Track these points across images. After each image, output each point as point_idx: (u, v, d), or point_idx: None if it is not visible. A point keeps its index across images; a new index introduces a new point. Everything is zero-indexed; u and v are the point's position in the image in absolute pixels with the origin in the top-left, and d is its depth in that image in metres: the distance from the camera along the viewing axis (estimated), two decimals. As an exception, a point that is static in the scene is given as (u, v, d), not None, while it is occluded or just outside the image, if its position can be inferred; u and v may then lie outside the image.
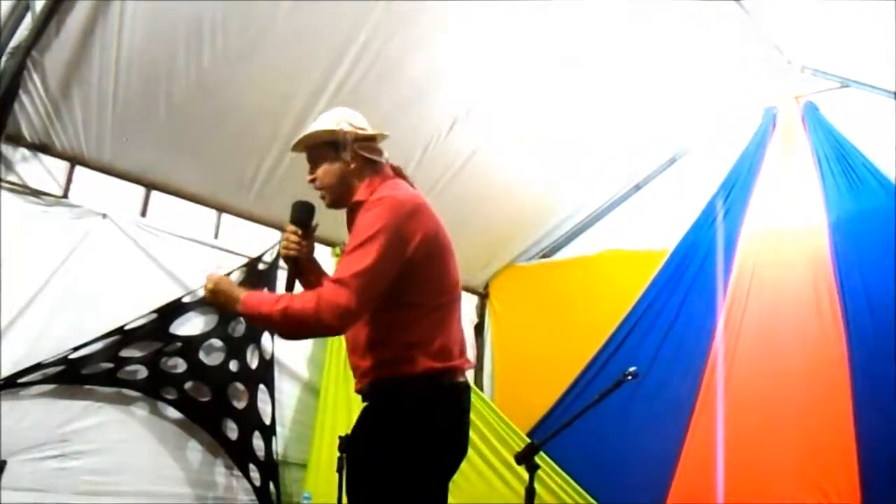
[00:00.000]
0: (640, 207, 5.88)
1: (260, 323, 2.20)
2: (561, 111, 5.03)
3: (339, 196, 2.34)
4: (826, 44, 4.83)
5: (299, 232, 2.35)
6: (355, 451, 2.26)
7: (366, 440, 2.24)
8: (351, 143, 2.30)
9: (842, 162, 4.79)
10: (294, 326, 2.19)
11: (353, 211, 2.32)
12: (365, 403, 2.33)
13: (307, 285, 2.45)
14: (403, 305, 2.22)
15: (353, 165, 2.31)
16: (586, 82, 4.89)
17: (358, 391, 2.35)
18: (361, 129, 2.36)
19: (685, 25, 4.61)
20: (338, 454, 3.92)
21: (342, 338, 5.09)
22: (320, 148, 2.34)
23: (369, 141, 2.36)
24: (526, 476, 3.34)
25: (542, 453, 4.54)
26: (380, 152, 2.38)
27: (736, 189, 5.19)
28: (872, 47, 4.44)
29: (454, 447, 2.30)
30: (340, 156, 2.30)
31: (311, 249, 2.46)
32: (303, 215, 2.35)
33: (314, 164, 2.37)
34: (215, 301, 2.29)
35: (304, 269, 2.45)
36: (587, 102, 5.03)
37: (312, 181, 2.37)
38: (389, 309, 2.21)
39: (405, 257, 2.16)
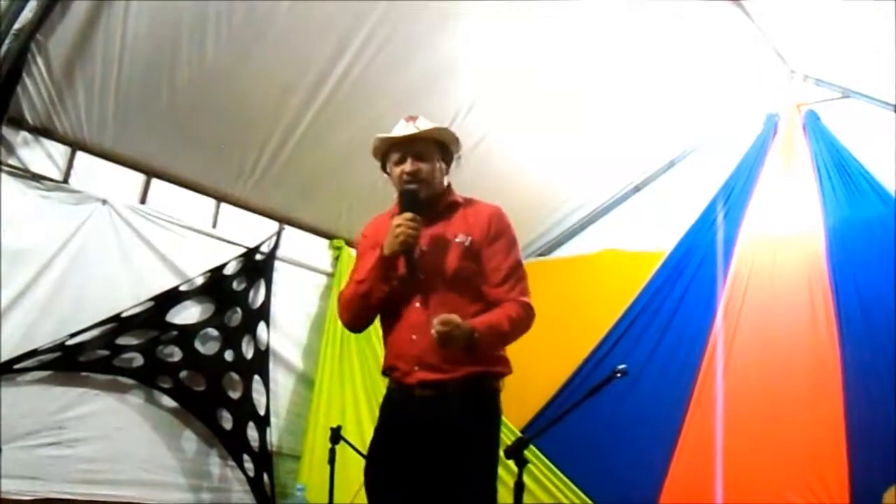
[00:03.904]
0: (639, 209, 5.88)
1: (498, 342, 2.50)
2: (562, 111, 5.01)
3: (434, 190, 2.57)
4: (829, 54, 4.85)
5: (418, 218, 2.42)
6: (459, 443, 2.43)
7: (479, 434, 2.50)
8: (456, 153, 2.67)
9: (840, 171, 4.82)
10: (522, 331, 2.54)
11: (450, 208, 2.60)
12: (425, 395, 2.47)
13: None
14: None
15: (446, 170, 2.65)
16: (588, 83, 4.89)
17: (436, 382, 2.46)
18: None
19: (690, 30, 4.62)
20: (330, 446, 3.92)
21: (338, 329, 5.11)
22: (434, 146, 2.60)
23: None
24: (520, 472, 3.34)
25: (535, 450, 4.56)
26: None
27: (735, 193, 5.21)
28: (875, 59, 4.46)
29: None
30: (444, 159, 2.62)
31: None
32: (417, 203, 2.45)
33: (421, 157, 2.55)
34: (449, 342, 2.29)
35: None
36: (589, 103, 5.02)
37: (415, 171, 2.52)
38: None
39: None
